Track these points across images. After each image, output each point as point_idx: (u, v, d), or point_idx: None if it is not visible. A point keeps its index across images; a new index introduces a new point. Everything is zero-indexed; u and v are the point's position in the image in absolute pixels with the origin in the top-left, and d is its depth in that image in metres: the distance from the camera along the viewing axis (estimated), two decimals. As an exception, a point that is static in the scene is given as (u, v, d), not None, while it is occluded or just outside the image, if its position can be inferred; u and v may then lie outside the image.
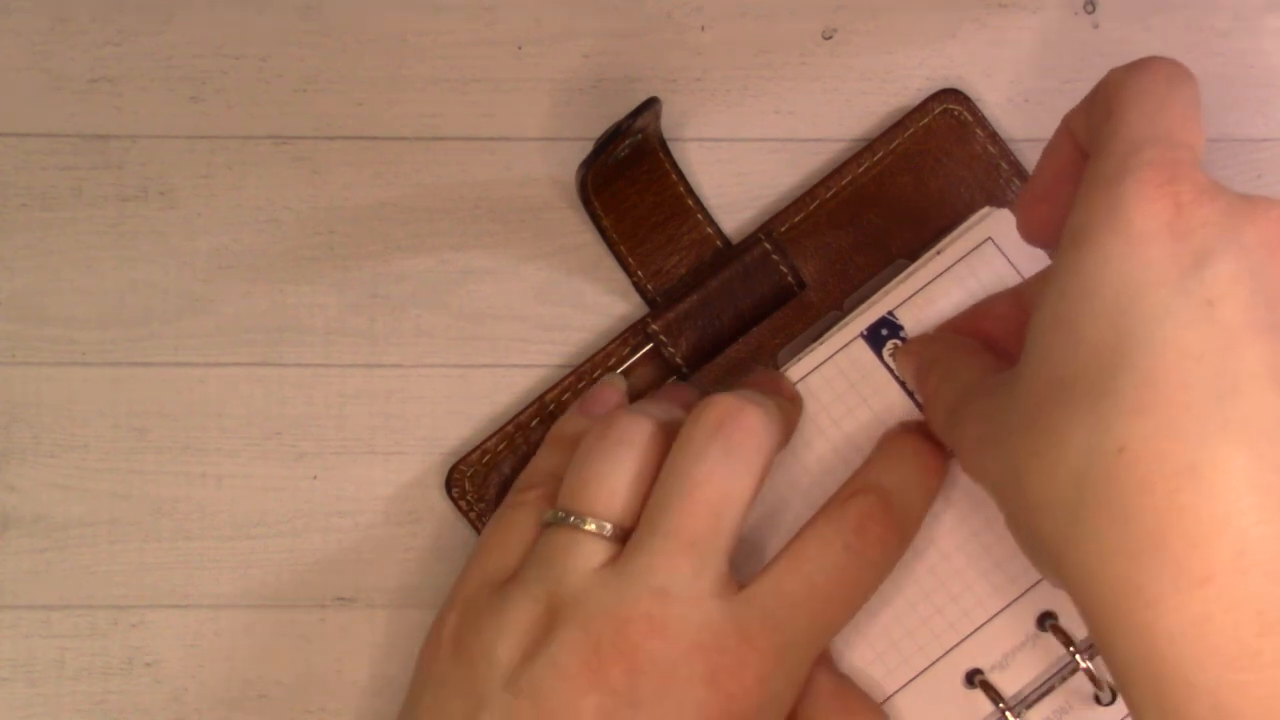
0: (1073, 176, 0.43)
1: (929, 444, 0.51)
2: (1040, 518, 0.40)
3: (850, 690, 0.51)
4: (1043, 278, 0.44)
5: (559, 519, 0.49)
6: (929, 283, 0.54)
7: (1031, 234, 0.48)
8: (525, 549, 0.50)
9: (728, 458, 0.48)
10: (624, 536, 0.49)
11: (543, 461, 0.54)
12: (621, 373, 0.56)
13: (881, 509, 0.50)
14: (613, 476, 0.49)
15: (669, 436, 0.50)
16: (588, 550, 0.48)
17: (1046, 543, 0.40)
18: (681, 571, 0.47)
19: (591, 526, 0.48)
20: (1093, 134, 0.43)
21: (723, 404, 0.49)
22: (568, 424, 0.55)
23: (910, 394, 0.54)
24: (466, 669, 0.48)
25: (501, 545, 0.51)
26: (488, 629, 0.48)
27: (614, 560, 0.48)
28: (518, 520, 0.51)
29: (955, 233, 0.55)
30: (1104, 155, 0.41)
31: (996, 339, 0.51)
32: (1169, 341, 0.38)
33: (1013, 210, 0.52)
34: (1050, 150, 0.46)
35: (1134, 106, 0.42)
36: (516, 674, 0.47)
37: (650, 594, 0.47)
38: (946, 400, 0.48)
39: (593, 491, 0.49)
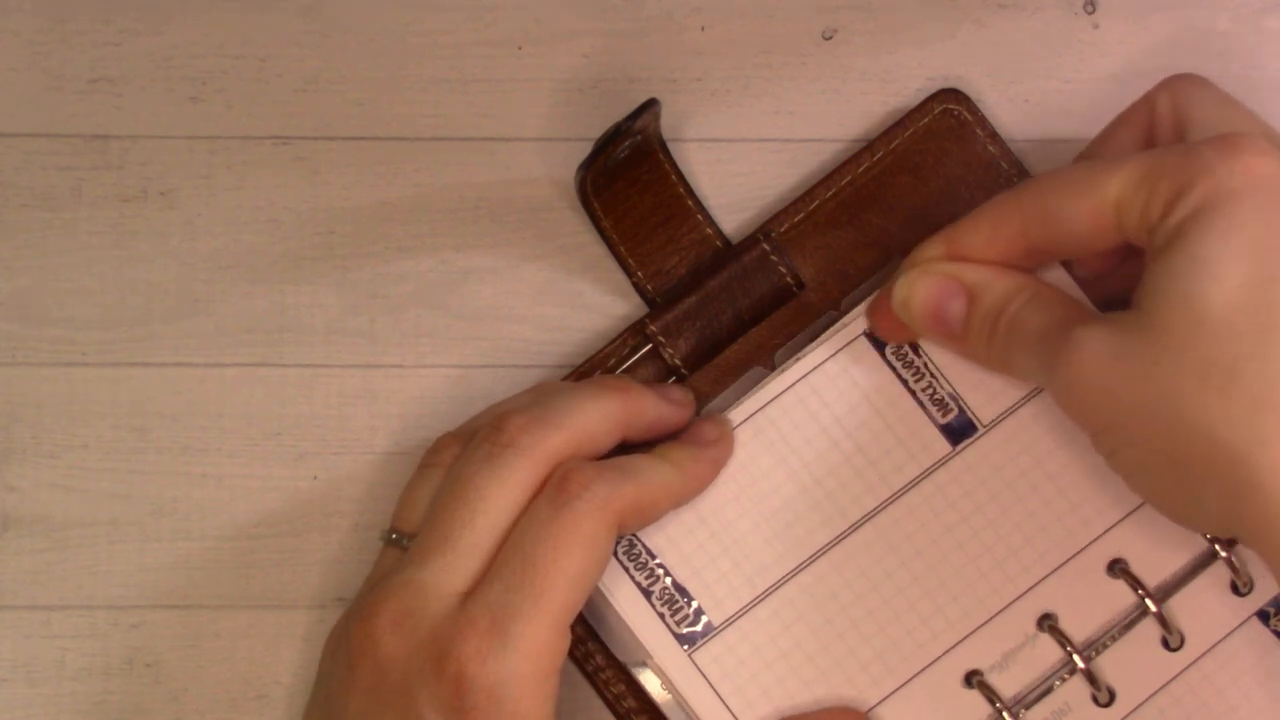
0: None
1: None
2: (1219, 434, 0.44)
3: None
4: (1161, 233, 0.47)
5: (382, 534, 0.53)
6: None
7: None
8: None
9: (489, 461, 0.50)
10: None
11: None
12: (621, 373, 0.56)
13: (588, 465, 0.50)
14: (409, 496, 0.53)
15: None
16: (388, 559, 0.53)
17: (1225, 454, 0.44)
18: (430, 566, 0.49)
19: (393, 537, 0.53)
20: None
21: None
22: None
23: (912, 391, 0.54)
24: None
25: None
26: None
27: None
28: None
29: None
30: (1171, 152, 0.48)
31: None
32: None
33: None
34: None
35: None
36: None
37: (398, 587, 0.49)
38: (1037, 326, 0.49)
39: (397, 511, 0.53)
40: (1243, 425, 0.44)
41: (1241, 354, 0.44)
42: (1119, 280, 0.53)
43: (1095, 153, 0.54)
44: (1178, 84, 0.52)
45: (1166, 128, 0.52)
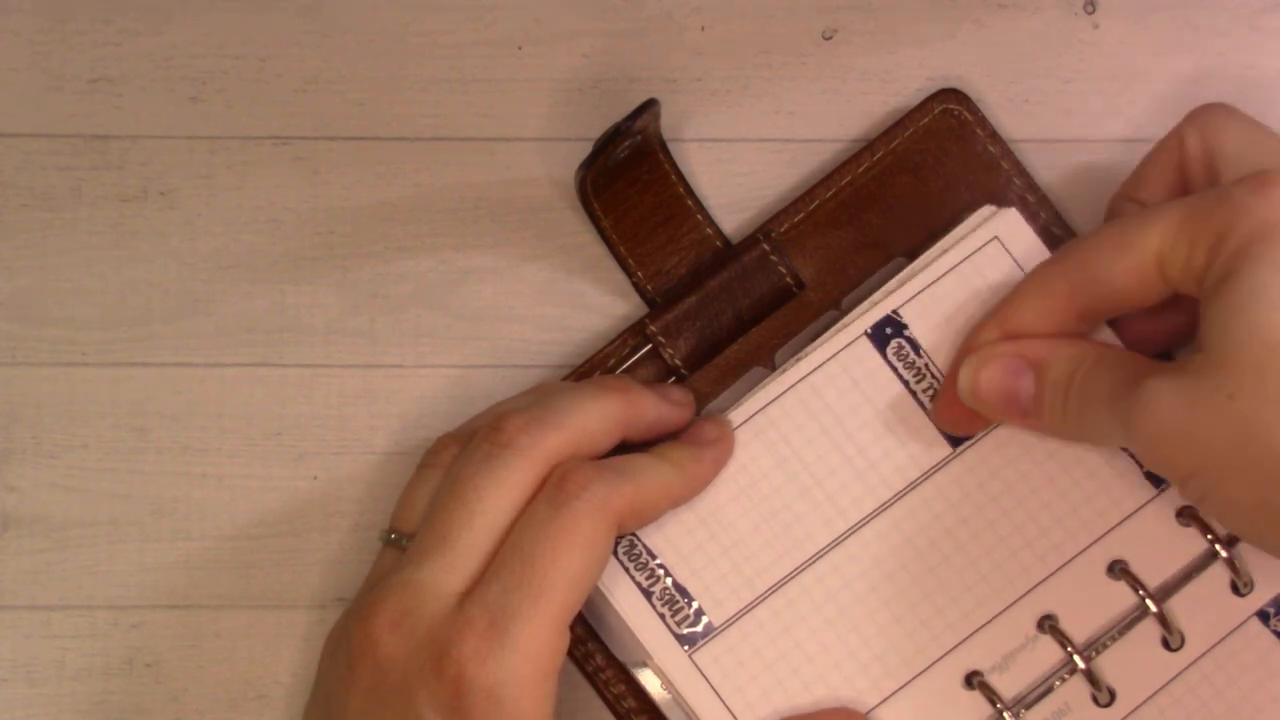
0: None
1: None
2: None
3: None
4: (1214, 271, 0.47)
5: (381, 535, 0.53)
6: (934, 282, 0.54)
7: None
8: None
9: (488, 462, 0.50)
10: None
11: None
12: (621, 373, 0.56)
13: (586, 465, 0.50)
14: (408, 496, 0.53)
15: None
16: (386, 559, 0.53)
17: None
18: (428, 566, 0.49)
19: (392, 537, 0.53)
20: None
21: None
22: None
23: (913, 392, 0.54)
24: None
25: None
26: None
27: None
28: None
29: (959, 231, 0.55)
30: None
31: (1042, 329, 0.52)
32: None
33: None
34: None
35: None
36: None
37: (396, 587, 0.49)
38: (1107, 387, 0.49)
39: (397, 511, 0.53)
40: None
41: None
42: (1163, 338, 0.54)
43: (1128, 194, 0.54)
44: (1205, 117, 0.52)
45: (1198, 166, 0.52)
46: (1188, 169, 0.52)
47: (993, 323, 0.52)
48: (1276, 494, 0.45)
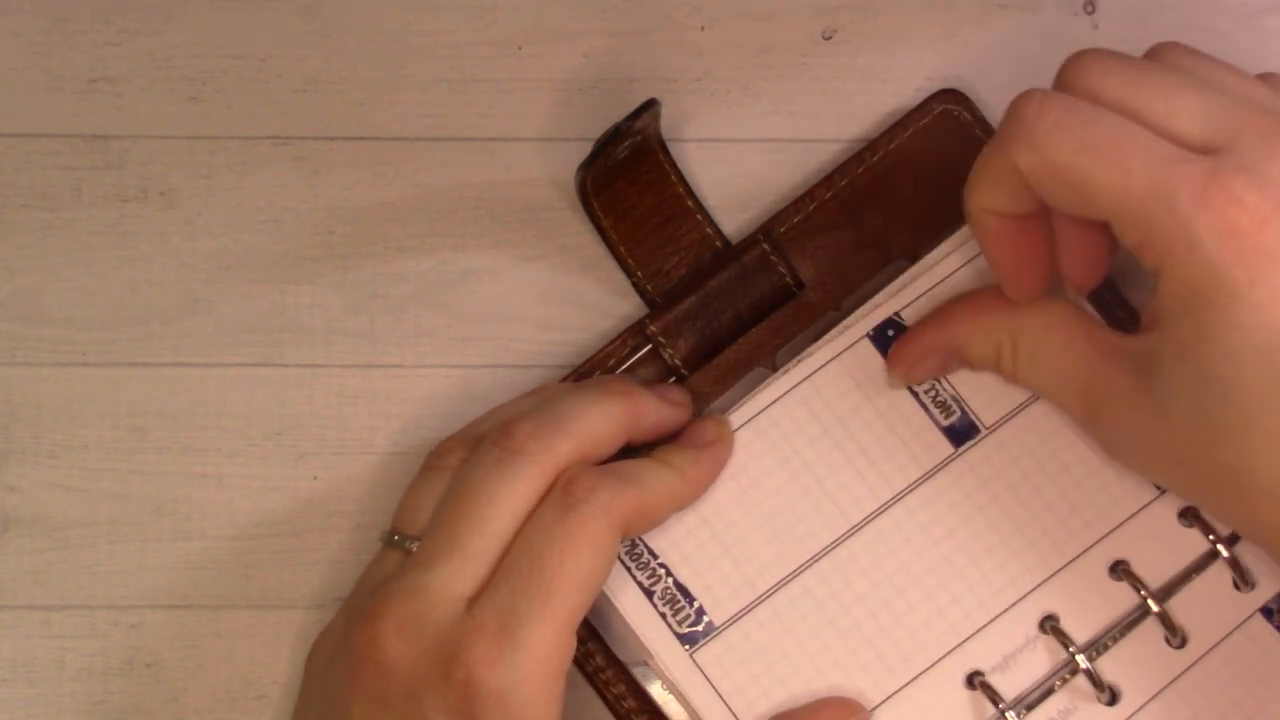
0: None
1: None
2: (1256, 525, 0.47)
3: None
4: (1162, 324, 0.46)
5: (383, 536, 0.53)
6: (936, 285, 0.54)
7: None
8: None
9: (499, 467, 0.50)
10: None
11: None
12: (621, 373, 0.56)
13: (592, 470, 0.50)
14: (412, 498, 0.52)
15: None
16: (388, 561, 0.52)
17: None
18: (436, 570, 0.49)
19: (394, 539, 0.52)
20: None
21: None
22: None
23: (915, 393, 0.54)
24: None
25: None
26: None
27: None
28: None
29: (961, 234, 0.55)
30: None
31: None
32: None
33: None
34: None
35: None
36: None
37: (404, 591, 0.49)
38: (1079, 381, 0.50)
39: (399, 513, 0.53)
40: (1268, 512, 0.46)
41: (1260, 458, 0.45)
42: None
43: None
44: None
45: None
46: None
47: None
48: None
